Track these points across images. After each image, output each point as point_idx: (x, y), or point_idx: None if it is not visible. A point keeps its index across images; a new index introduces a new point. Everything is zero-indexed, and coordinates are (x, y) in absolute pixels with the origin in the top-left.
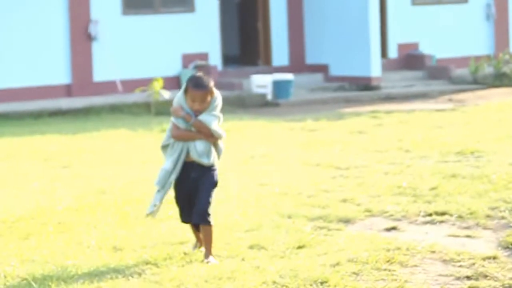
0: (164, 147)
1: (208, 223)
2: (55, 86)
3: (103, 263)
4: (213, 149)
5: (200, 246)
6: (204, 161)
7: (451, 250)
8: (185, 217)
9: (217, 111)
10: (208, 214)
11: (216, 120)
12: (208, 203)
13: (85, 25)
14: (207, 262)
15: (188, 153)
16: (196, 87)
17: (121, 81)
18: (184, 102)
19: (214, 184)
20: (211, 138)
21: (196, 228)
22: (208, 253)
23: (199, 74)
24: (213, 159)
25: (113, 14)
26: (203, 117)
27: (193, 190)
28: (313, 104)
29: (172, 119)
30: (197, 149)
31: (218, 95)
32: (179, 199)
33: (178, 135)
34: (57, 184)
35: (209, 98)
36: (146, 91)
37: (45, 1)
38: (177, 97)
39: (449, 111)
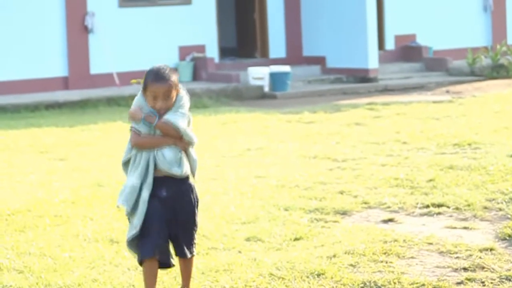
0: (126, 164)
1: (193, 254)
2: (51, 79)
3: (100, 255)
4: (184, 158)
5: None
6: (176, 171)
7: (448, 242)
8: (150, 249)
9: (185, 110)
10: (195, 244)
11: (184, 118)
12: (194, 234)
13: (82, 18)
14: None
15: (155, 165)
16: (157, 80)
17: (118, 74)
18: (145, 102)
19: (197, 205)
20: (181, 142)
21: (153, 268)
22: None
23: (160, 65)
24: (186, 169)
25: (110, 6)
26: (168, 116)
27: (164, 213)
28: (310, 96)
29: (132, 125)
30: (166, 158)
31: (184, 93)
32: (144, 227)
33: (140, 142)
34: (54, 177)
35: (173, 94)
36: (141, 83)
37: None
38: (135, 99)
39: (447, 103)
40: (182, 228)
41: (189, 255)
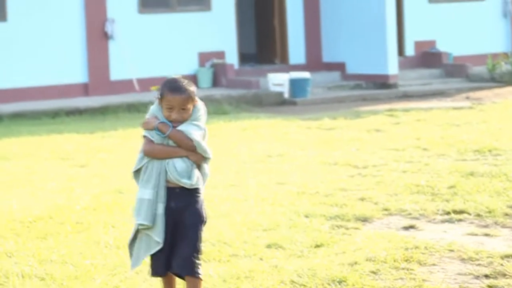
0: (137, 173)
1: (196, 274)
2: (72, 85)
3: (121, 262)
4: (196, 170)
5: None
6: (185, 182)
7: (470, 249)
8: (160, 266)
9: (201, 123)
10: (196, 263)
11: (198, 130)
12: (195, 248)
13: (102, 24)
14: None
15: (166, 175)
16: (173, 91)
17: (137, 80)
18: (160, 113)
19: (202, 220)
20: (194, 155)
21: (169, 284)
22: None
23: (177, 76)
24: (196, 180)
25: (130, 12)
26: (182, 127)
27: (173, 226)
28: (330, 102)
29: (145, 133)
30: (177, 168)
31: (202, 105)
32: None
33: (152, 151)
34: (75, 184)
35: (189, 107)
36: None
37: (62, 0)
38: (151, 109)
39: (467, 109)
40: (182, 240)
41: (188, 272)
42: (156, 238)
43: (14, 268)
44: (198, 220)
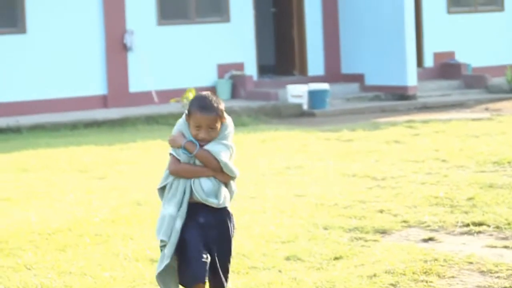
0: (162, 190)
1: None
2: (90, 97)
3: (140, 275)
4: (223, 189)
5: None
6: (212, 202)
7: (489, 261)
8: (204, 271)
9: (229, 141)
10: (227, 277)
11: (226, 150)
12: (228, 262)
13: (121, 36)
14: None
15: (191, 194)
16: (203, 109)
17: (156, 92)
18: (187, 130)
19: (233, 233)
20: (221, 175)
21: None
22: None
23: (206, 93)
24: (224, 199)
25: (148, 24)
26: (210, 147)
27: (202, 239)
28: (349, 114)
29: (171, 151)
30: (203, 188)
31: (230, 122)
32: (187, 252)
33: (179, 170)
34: (93, 196)
35: (218, 125)
36: (180, 101)
37: (80, 12)
38: (178, 123)
39: (486, 120)
40: (220, 257)
41: (225, 284)
42: (167, 253)
43: (33, 280)
44: (231, 236)
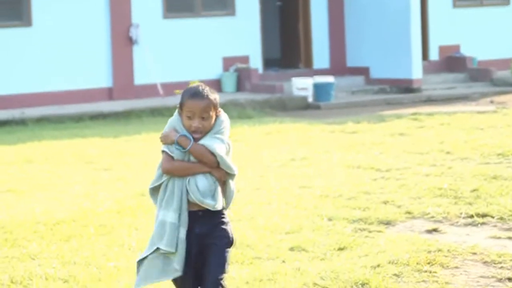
0: (154, 190)
1: None
2: (96, 90)
3: None
4: (219, 190)
5: None
6: (208, 203)
7: (493, 252)
8: None
9: (224, 136)
10: (223, 286)
11: (222, 144)
12: (223, 271)
13: (126, 29)
14: None
15: (187, 195)
16: (194, 96)
17: (161, 85)
18: (180, 125)
19: (229, 243)
20: (218, 171)
21: None
22: None
23: (198, 83)
24: (220, 202)
25: (154, 17)
26: (204, 141)
27: (198, 251)
28: (354, 106)
29: (163, 148)
30: (199, 188)
31: (225, 117)
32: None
33: (172, 168)
34: (98, 187)
35: (212, 115)
36: None
37: (86, 5)
38: (170, 120)
39: (491, 113)
40: (209, 264)
41: None
42: (176, 266)
43: (37, 270)
44: (226, 243)
